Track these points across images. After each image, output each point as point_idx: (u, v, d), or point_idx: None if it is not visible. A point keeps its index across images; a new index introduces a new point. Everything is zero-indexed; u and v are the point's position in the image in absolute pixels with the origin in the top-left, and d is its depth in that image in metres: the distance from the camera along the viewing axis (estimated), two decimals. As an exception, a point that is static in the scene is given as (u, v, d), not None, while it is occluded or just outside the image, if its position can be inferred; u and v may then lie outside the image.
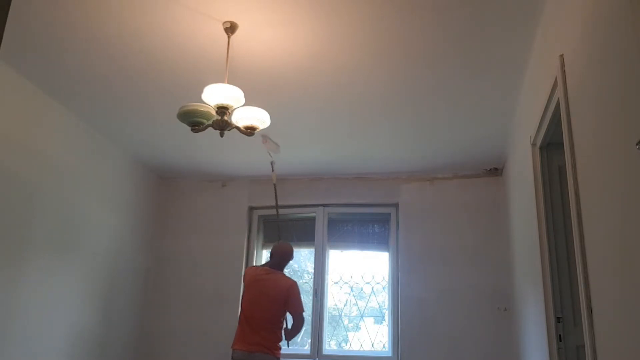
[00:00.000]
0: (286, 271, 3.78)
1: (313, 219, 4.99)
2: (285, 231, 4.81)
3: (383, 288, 4.83)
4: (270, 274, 3.63)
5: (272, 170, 4.16)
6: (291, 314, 3.57)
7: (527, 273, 3.42)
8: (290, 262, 3.80)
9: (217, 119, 2.68)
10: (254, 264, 3.94)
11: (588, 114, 1.87)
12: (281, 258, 3.71)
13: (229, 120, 2.71)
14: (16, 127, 3.35)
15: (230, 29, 2.74)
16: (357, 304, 4.86)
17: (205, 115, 2.66)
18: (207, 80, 3.02)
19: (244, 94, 2.66)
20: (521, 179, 3.51)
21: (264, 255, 5.11)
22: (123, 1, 2.61)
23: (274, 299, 3.50)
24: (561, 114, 2.17)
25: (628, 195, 1.50)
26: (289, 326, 3.64)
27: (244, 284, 3.68)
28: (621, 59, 1.51)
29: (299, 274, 5.14)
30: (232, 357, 3.42)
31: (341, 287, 4.91)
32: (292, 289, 3.56)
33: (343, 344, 4.85)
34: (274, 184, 4.24)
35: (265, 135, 3.95)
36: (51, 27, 2.83)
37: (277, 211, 4.31)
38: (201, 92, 2.62)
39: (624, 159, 1.50)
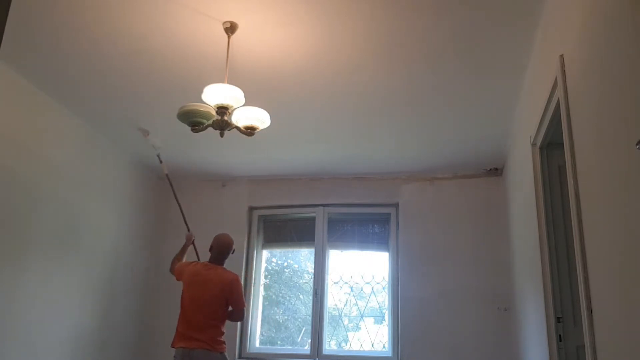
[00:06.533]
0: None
1: (313, 219, 4.99)
2: (285, 231, 4.79)
3: (383, 288, 4.83)
4: (210, 270, 3.47)
5: (160, 162, 4.19)
6: (233, 309, 3.45)
7: (527, 273, 3.42)
8: (231, 254, 3.60)
9: (217, 119, 2.68)
10: (193, 261, 3.76)
11: (588, 114, 1.87)
12: (220, 251, 3.54)
13: (229, 120, 2.71)
14: (16, 127, 3.35)
15: (230, 29, 2.74)
16: (357, 304, 4.86)
17: (205, 115, 2.66)
18: (207, 80, 3.02)
19: (244, 94, 2.66)
20: (521, 179, 3.51)
21: (264, 255, 5.11)
22: (123, 1, 2.61)
23: (216, 296, 3.37)
24: (561, 114, 2.17)
25: (628, 195, 1.50)
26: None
27: (183, 282, 3.51)
28: (621, 59, 1.51)
29: (299, 274, 5.14)
30: (174, 356, 3.32)
31: (341, 287, 4.91)
32: (234, 283, 3.42)
33: (343, 344, 4.85)
34: (167, 174, 4.24)
35: (142, 129, 4.02)
36: (51, 27, 2.83)
37: (176, 200, 4.21)
38: (201, 92, 2.62)
39: (624, 159, 1.50)
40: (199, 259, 3.94)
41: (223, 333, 3.41)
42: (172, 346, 3.38)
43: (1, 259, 3.21)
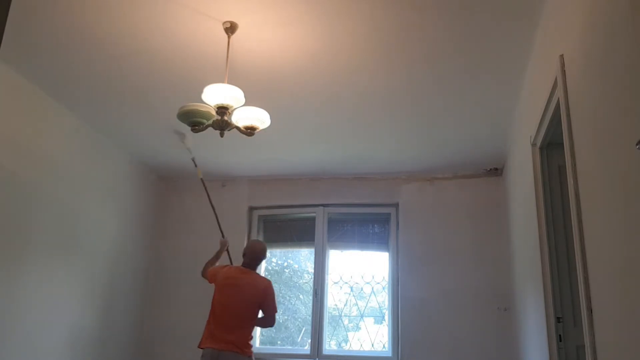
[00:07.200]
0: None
1: (313, 219, 4.99)
2: (285, 231, 4.79)
3: (383, 288, 4.83)
4: (244, 274, 3.53)
5: (195, 165, 4.18)
6: (265, 314, 3.50)
7: (527, 273, 3.42)
8: (264, 260, 3.67)
9: (217, 119, 2.68)
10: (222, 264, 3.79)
11: (588, 114, 1.87)
12: (254, 257, 3.60)
13: (229, 120, 2.71)
14: (16, 128, 3.35)
15: (230, 29, 2.74)
16: (357, 304, 4.86)
17: (205, 115, 2.66)
18: (207, 80, 3.01)
19: (244, 94, 2.66)
20: (521, 179, 3.51)
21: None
22: (123, 2, 2.61)
23: (249, 300, 3.42)
24: (561, 114, 2.17)
25: (628, 195, 1.50)
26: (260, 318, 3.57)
27: (215, 284, 3.55)
28: (621, 59, 1.51)
29: (299, 274, 5.13)
30: (202, 356, 3.32)
31: (341, 287, 4.90)
32: (268, 289, 3.49)
33: (343, 344, 4.85)
34: (201, 178, 4.24)
35: (178, 132, 3.94)
36: (51, 27, 2.83)
37: (211, 205, 4.21)
38: (201, 92, 2.63)
39: (624, 159, 1.50)
40: (232, 264, 3.95)
41: (252, 337, 3.45)
42: (200, 347, 3.38)
43: (1, 259, 3.21)
